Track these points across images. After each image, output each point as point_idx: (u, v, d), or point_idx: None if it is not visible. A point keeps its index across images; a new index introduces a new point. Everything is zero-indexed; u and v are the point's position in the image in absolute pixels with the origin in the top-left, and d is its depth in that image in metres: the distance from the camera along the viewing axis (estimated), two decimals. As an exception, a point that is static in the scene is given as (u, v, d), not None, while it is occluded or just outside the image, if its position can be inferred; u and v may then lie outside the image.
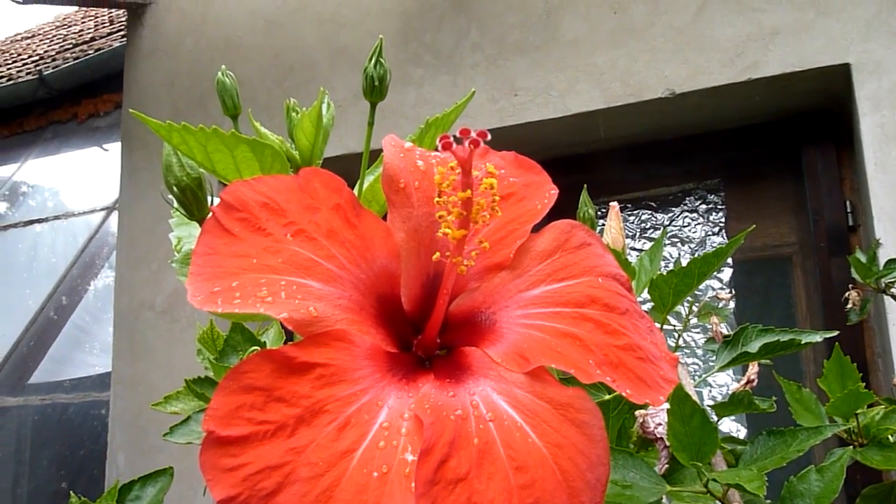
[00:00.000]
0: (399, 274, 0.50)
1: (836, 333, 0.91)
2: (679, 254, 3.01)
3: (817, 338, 0.87)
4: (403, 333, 0.50)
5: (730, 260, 2.96)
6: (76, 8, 7.01)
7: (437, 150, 0.50)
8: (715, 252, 0.82)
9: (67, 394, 4.03)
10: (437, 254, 0.48)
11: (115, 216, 3.97)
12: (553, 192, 0.54)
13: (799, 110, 2.70)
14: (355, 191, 0.64)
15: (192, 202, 0.62)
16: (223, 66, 0.70)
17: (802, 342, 0.85)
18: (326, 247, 0.46)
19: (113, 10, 5.84)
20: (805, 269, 2.82)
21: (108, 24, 6.09)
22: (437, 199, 0.47)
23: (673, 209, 3.05)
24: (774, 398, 0.94)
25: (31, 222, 5.18)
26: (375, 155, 0.63)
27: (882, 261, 1.63)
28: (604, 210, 1.01)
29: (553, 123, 2.73)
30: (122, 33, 4.71)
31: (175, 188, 0.62)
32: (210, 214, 0.45)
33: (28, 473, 4.10)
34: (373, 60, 0.65)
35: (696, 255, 0.86)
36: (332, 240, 0.46)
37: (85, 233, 4.75)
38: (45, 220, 5.14)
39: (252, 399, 0.39)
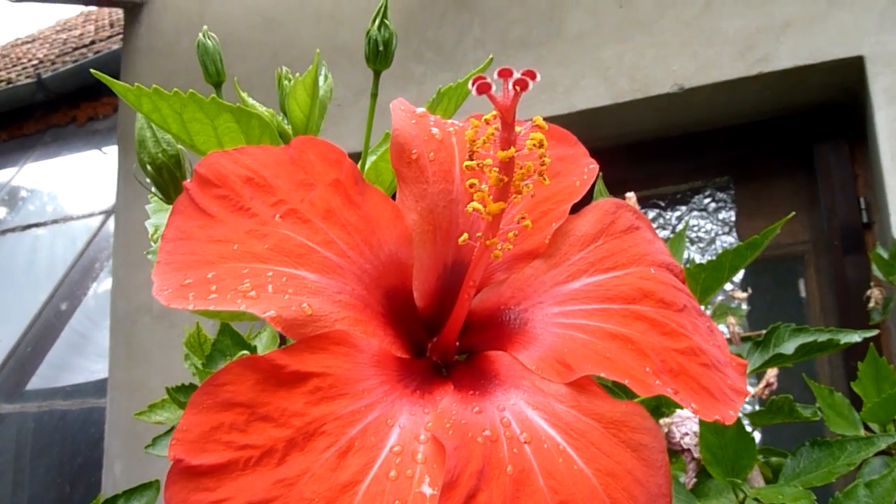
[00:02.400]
0: (411, 263, 0.42)
1: (875, 333, 0.83)
2: (689, 254, 2.93)
3: (856, 337, 0.80)
4: (416, 335, 0.42)
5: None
6: (76, 11, 6.96)
7: (452, 114, 0.41)
8: (748, 243, 0.75)
9: (64, 400, 3.96)
10: (465, 235, 0.40)
11: (113, 220, 3.90)
12: (593, 167, 0.46)
13: (810, 105, 2.63)
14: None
15: (170, 183, 0.55)
16: (205, 27, 0.62)
17: (841, 342, 0.78)
18: (323, 230, 0.38)
19: (114, 14, 5.79)
20: (818, 267, 2.75)
21: (108, 28, 6.04)
22: (467, 162, 0.38)
23: (681, 207, 2.97)
24: (818, 406, 0.87)
25: (30, 226, 5.13)
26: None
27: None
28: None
29: (558, 120, 2.63)
30: (122, 36, 4.64)
31: (149, 167, 0.55)
32: (183, 192, 0.38)
33: (26, 482, 4.03)
34: (377, 22, 0.57)
35: (706, 254, 0.78)
36: (329, 222, 0.38)
37: (84, 237, 4.69)
38: (44, 224, 5.09)
39: (232, 418, 0.31)
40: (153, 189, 0.57)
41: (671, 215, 2.97)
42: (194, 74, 2.75)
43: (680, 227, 2.92)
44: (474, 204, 0.39)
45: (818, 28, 2.38)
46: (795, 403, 0.84)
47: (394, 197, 0.43)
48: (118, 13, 4.28)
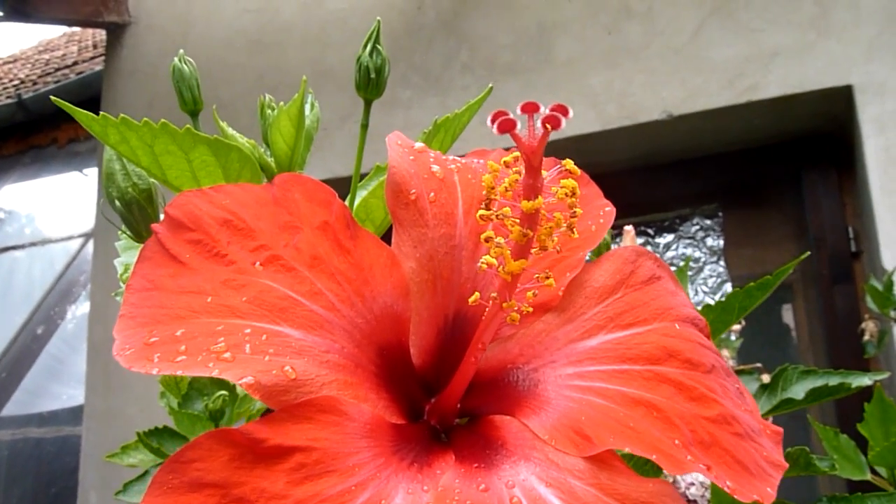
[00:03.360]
0: (407, 316, 0.37)
1: (886, 375, 0.80)
2: (677, 282, 2.90)
3: (866, 380, 0.76)
4: (413, 396, 0.38)
5: (728, 288, 2.86)
6: (59, 32, 6.91)
7: (459, 152, 0.37)
8: (759, 284, 0.71)
9: (39, 427, 3.87)
10: (476, 294, 0.35)
11: (92, 243, 3.84)
12: (609, 210, 0.42)
13: (799, 133, 2.62)
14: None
15: (140, 220, 0.50)
16: (181, 52, 0.58)
17: (853, 386, 0.74)
18: (310, 280, 0.33)
19: (97, 35, 5.75)
20: (807, 297, 2.74)
21: (91, 49, 5.99)
22: (482, 211, 0.34)
23: (669, 235, 2.95)
24: (835, 457, 0.83)
25: (8, 249, 5.05)
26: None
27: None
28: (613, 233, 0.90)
29: (547, 147, 2.63)
30: (104, 57, 4.60)
31: (118, 202, 0.50)
32: (152, 235, 0.33)
33: (-2, 511, 3.94)
34: (368, 48, 0.53)
35: (694, 283, 0.74)
36: (317, 270, 0.34)
37: (63, 260, 4.62)
38: (22, 246, 5.01)
39: (201, 500, 0.27)
40: (123, 227, 0.52)
41: (660, 242, 2.95)
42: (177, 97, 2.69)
43: (669, 255, 2.90)
44: (489, 259, 0.34)
45: (807, 57, 2.38)
46: (812, 456, 0.80)
47: (388, 241, 0.39)
48: (102, 34, 4.24)
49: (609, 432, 0.32)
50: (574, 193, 0.33)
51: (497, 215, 0.34)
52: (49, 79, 5.46)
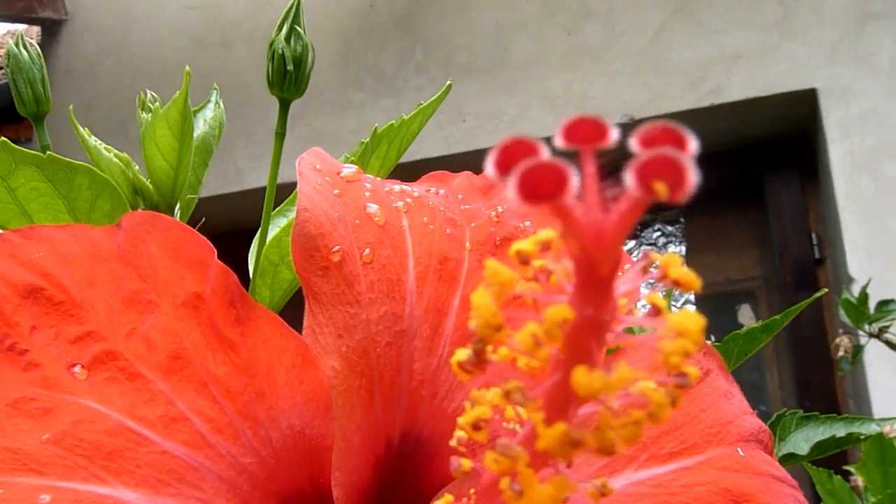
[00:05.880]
0: (328, 444, 0.23)
1: (893, 418, 0.71)
2: (639, 290, 2.83)
3: (874, 427, 0.67)
4: None
5: (692, 296, 2.80)
6: (2, 30, 6.67)
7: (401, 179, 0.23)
8: (763, 326, 0.61)
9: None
10: (448, 498, 0.21)
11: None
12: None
13: (761, 138, 2.57)
14: (253, 248, 0.38)
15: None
16: (19, 30, 0.46)
17: (862, 436, 0.65)
18: (164, 396, 0.20)
19: (41, 34, 5.52)
20: (771, 304, 2.69)
21: (29, 47, 5.77)
22: (495, 396, 0.18)
23: (629, 242, 2.88)
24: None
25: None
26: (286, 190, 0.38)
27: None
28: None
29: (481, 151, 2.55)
30: (40, 54, 4.40)
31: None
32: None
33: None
34: (284, 30, 0.40)
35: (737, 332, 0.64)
36: (178, 379, 0.20)
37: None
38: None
39: None
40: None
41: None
42: (116, 98, 2.57)
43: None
44: (508, 413, 0.20)
45: (770, 60, 2.32)
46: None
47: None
48: (30, 25, 4.04)
49: None
50: (687, 353, 0.18)
51: (507, 393, 0.18)
52: (-14, 78, 5.24)
